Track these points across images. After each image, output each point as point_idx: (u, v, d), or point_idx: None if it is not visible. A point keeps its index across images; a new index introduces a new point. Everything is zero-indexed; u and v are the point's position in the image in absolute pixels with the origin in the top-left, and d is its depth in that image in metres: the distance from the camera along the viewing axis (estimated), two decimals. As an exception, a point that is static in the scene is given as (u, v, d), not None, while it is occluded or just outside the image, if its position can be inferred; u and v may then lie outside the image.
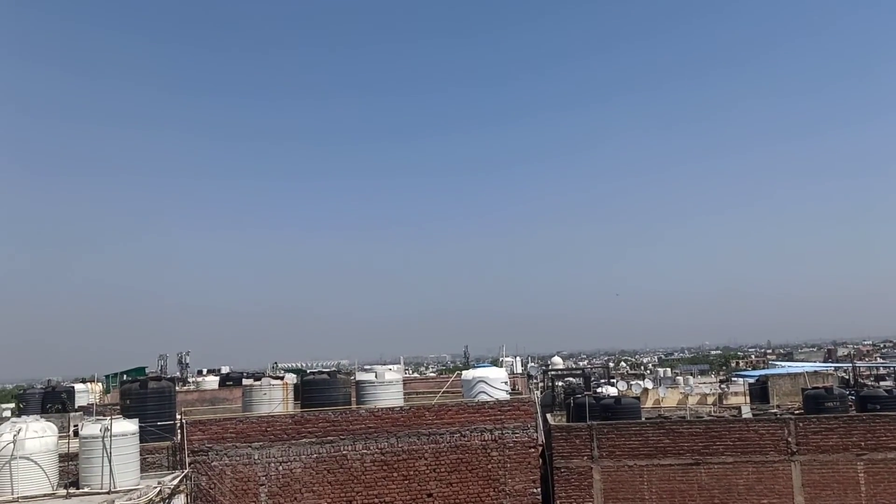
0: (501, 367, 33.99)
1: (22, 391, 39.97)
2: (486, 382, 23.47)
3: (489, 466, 21.93)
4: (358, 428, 21.49)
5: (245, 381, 25.20)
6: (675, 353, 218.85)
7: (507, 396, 23.59)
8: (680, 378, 52.81)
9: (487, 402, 22.47)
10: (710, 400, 39.41)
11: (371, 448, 21.46)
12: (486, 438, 22.00)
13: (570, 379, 37.67)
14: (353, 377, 26.00)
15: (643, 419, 24.23)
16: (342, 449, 21.29)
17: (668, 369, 77.84)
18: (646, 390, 40.01)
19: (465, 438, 21.91)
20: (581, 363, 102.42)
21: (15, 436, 17.27)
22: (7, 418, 31.20)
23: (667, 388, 42.04)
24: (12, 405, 49.49)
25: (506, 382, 24.37)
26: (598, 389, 33.10)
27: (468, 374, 24.67)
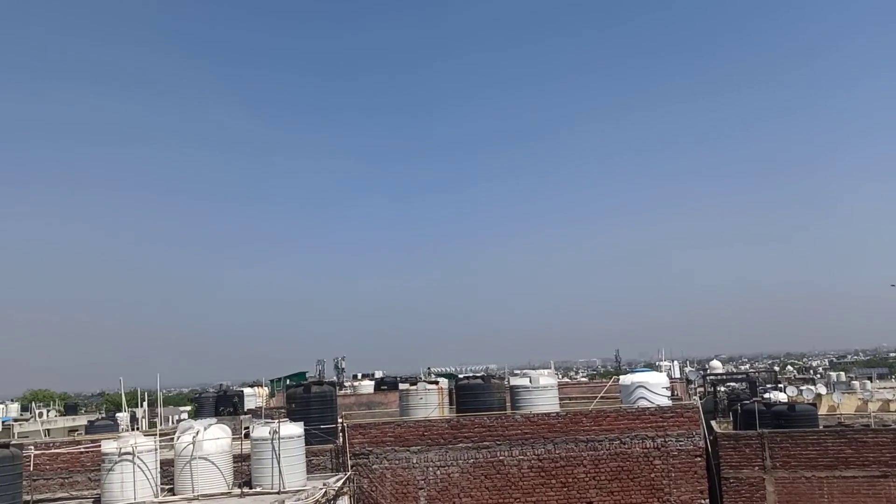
0: (659, 371, 32.74)
1: (197, 395, 42.78)
2: (646, 388, 22.60)
3: (652, 475, 21.07)
4: (514, 433, 21.28)
5: (401, 386, 25.62)
6: (849, 356, 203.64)
7: (669, 402, 22.61)
8: (856, 382, 48.95)
9: (648, 408, 21.62)
10: (894, 406, 36.17)
11: (528, 454, 21.18)
12: (648, 446, 21.16)
13: (733, 384, 35.79)
14: (506, 382, 25.83)
15: (820, 427, 22.50)
16: (499, 454, 21.16)
17: (842, 373, 72.47)
18: (819, 396, 37.26)
19: (626, 446, 21.17)
20: (742, 367, 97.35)
21: (194, 438, 18.35)
22: (185, 419, 33.44)
23: (842, 393, 38.98)
24: (189, 408, 53.09)
25: (667, 388, 23.37)
26: (765, 395, 31.22)
27: (626, 379, 23.87)
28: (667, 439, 21.15)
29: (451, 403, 25.63)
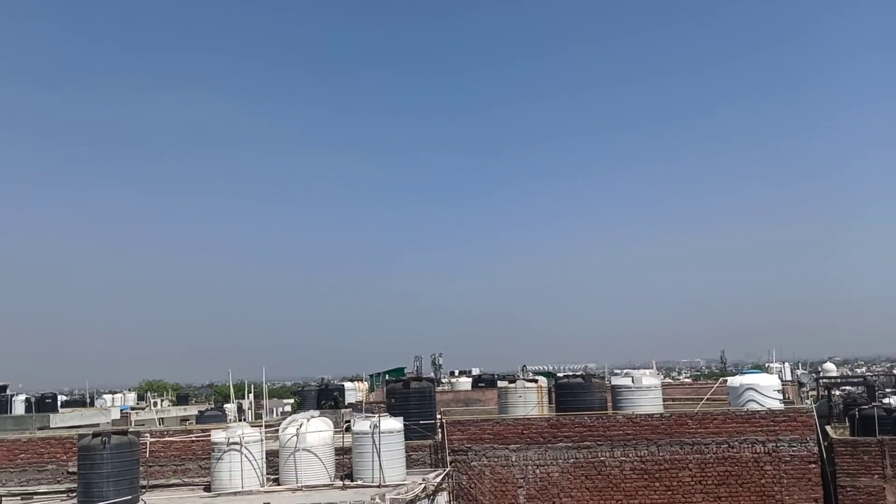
0: (769, 373, 31.42)
1: (300, 388, 44.07)
2: (756, 390, 21.69)
3: (762, 481, 20.19)
4: (615, 434, 20.82)
5: (500, 384, 25.51)
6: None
7: (780, 406, 21.62)
8: None
9: (759, 411, 20.72)
10: None
11: (630, 455, 20.68)
12: (759, 451, 20.28)
13: (849, 388, 33.95)
14: (607, 381, 25.34)
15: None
16: (599, 455, 20.74)
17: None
18: (946, 402, 34.84)
19: (734, 450, 20.36)
20: (859, 370, 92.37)
21: (298, 430, 18.79)
22: (288, 412, 34.43)
23: (973, 399, 36.33)
24: (292, 400, 54.63)
25: (778, 390, 22.37)
26: (884, 400, 29.48)
27: (735, 381, 22.97)
28: (778, 444, 20.22)
29: (549, 402, 25.33)
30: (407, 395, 21.91)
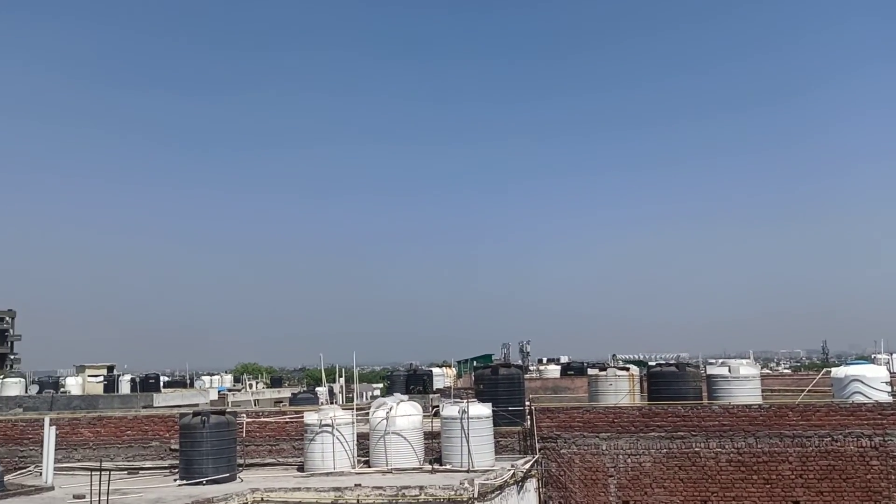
0: (877, 364, 29.85)
1: (389, 373, 44.64)
2: (863, 381, 20.64)
3: (868, 477, 19.19)
4: (711, 424, 20.16)
5: (590, 371, 25.14)
6: None
7: (889, 398, 20.50)
8: None
9: (865, 403, 19.69)
10: None
11: (726, 447, 20.00)
12: (864, 445, 19.28)
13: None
14: (702, 371, 24.61)
15: None
16: (694, 446, 20.14)
17: None
18: None
19: (838, 443, 19.42)
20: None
21: (388, 413, 19.00)
22: (377, 397, 34.93)
23: None
24: (381, 385, 55.42)
25: (886, 382, 21.21)
26: None
27: (840, 372, 21.93)
28: (886, 438, 19.16)
29: (641, 391, 24.77)
30: (496, 382, 21.84)
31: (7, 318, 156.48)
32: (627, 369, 24.54)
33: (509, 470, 17.91)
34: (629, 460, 20.26)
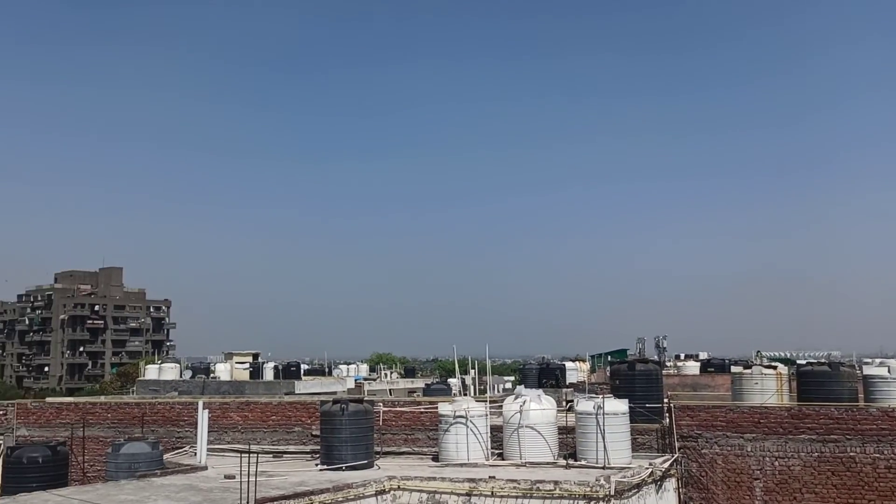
0: None
1: (521, 366, 44.61)
2: None
3: None
4: (868, 428, 18.78)
5: (733, 369, 24.04)
6: None
7: None
8: None
9: None
10: None
11: (885, 453, 18.57)
12: None
13: None
14: (857, 370, 22.99)
15: None
16: (849, 450, 18.83)
17: None
18: None
19: None
20: None
21: (521, 407, 18.91)
22: (510, 390, 34.89)
23: None
24: (513, 378, 55.39)
25: None
26: None
27: None
28: None
29: (789, 391, 23.42)
30: (632, 377, 21.27)
31: (164, 308, 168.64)
32: (774, 367, 23.26)
33: (647, 468, 17.41)
34: (776, 463, 19.21)
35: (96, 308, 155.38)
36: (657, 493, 17.62)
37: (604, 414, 18.24)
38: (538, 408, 18.97)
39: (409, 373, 72.03)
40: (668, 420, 20.24)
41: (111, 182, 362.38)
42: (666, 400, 21.26)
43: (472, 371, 35.32)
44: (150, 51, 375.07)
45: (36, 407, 26.88)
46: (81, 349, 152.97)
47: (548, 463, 18.59)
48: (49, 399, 30.31)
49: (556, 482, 15.79)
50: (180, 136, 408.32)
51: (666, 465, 18.38)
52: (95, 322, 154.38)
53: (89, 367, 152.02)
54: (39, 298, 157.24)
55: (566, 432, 19.83)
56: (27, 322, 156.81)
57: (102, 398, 32.52)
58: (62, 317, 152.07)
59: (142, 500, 14.34)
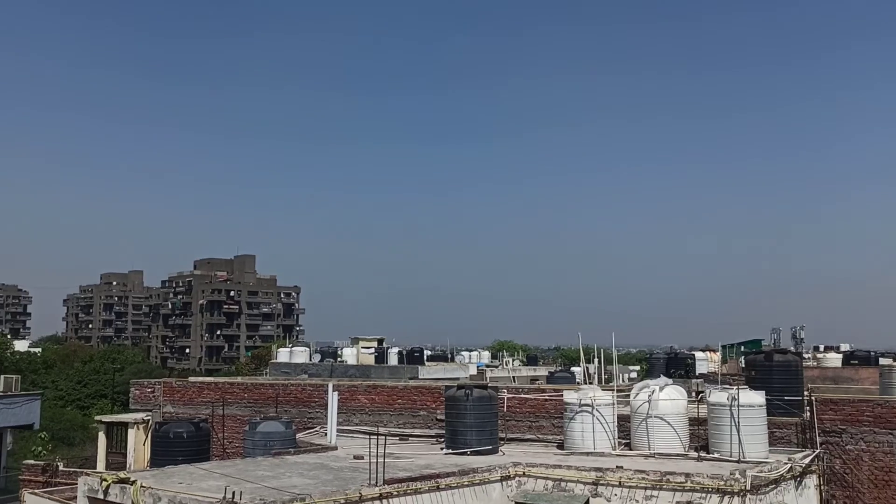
0: None
1: (648, 355, 43.44)
2: None
3: None
4: None
5: (881, 361, 22.49)
6: None
7: None
8: None
9: None
10: None
11: None
12: None
13: None
14: None
15: None
16: None
17: None
18: None
19: None
20: None
21: (651, 396, 18.38)
22: (635, 379, 34.09)
23: None
24: (638, 367, 54.13)
25: None
26: None
27: None
28: None
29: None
30: (769, 368, 20.25)
31: (293, 294, 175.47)
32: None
33: (786, 463, 16.52)
34: (931, 463, 17.82)
35: (231, 294, 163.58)
36: (797, 489, 16.69)
37: (738, 405, 17.43)
38: (668, 397, 18.39)
39: (531, 361, 71.74)
40: (808, 414, 19.16)
41: (246, 177, 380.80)
42: (806, 393, 20.13)
43: (594, 360, 34.69)
44: (280, 50, 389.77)
45: (180, 386, 28.60)
46: (218, 332, 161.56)
47: (677, 454, 17.98)
48: (191, 379, 32.15)
49: (687, 474, 15.24)
50: (306, 129, 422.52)
51: (806, 460, 17.38)
52: (231, 307, 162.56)
53: (225, 349, 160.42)
54: (181, 284, 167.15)
55: (697, 424, 19.12)
56: (170, 306, 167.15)
57: (239, 379, 34.23)
58: (201, 302, 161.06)
59: (277, 476, 14.91)
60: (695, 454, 17.97)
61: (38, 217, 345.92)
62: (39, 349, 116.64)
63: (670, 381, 19.91)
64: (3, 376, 45.12)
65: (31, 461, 28.56)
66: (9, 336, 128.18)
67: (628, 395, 19.79)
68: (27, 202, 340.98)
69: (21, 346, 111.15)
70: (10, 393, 41.49)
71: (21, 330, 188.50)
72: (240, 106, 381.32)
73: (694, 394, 22.74)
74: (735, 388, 18.41)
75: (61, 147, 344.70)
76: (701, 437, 18.80)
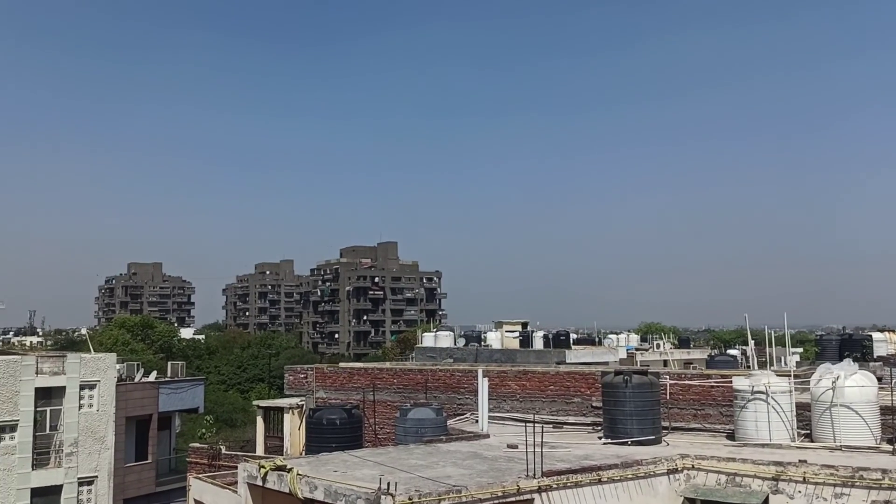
0: None
1: (819, 337, 40.18)
2: None
3: None
4: None
5: None
6: None
7: None
8: None
9: None
10: None
11: None
12: None
13: None
14: None
15: None
16: None
17: None
18: None
19: None
20: None
21: (835, 382, 16.56)
22: (800, 363, 31.45)
23: None
24: (800, 350, 50.47)
25: None
26: None
27: None
28: None
29: None
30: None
31: (435, 278, 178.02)
32: None
33: None
34: None
35: (376, 280, 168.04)
36: None
37: (942, 393, 15.36)
38: (856, 385, 16.48)
39: (682, 343, 68.83)
40: None
41: (383, 170, 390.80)
42: None
43: (764, 343, 32.26)
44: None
45: (331, 371, 29.04)
46: (365, 318, 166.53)
47: (868, 448, 16.10)
48: (342, 364, 32.66)
49: (883, 470, 13.52)
50: (443, 104, 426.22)
51: None
52: (376, 293, 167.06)
53: (372, 334, 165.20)
54: (328, 272, 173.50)
55: (888, 413, 17.07)
56: (319, 293, 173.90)
57: (388, 364, 34.50)
58: (347, 288, 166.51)
59: (430, 465, 14.47)
60: (888, 447, 16.03)
61: (197, 213, 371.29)
62: (202, 336, 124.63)
63: (856, 365, 17.90)
64: (170, 363, 48.09)
65: (197, 444, 29.96)
66: (175, 324, 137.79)
67: (804, 381, 17.99)
68: (188, 201, 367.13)
69: (186, 333, 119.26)
70: (176, 378, 44.00)
71: (186, 318, 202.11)
72: (376, 94, 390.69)
73: (876, 379, 20.50)
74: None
75: (218, 150, 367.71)
76: (892, 427, 16.77)
